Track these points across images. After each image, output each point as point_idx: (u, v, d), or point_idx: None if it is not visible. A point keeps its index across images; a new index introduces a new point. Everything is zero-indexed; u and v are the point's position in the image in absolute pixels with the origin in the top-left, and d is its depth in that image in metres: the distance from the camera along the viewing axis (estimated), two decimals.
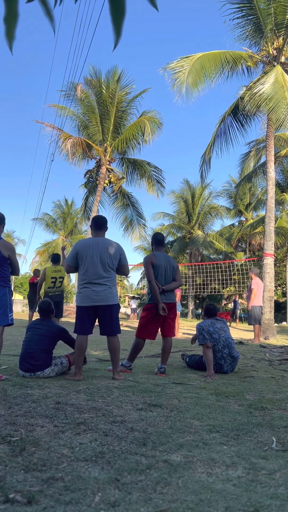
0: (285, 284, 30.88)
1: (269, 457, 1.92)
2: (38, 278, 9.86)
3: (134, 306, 26.49)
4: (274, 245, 14.51)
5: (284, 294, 35.79)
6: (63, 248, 8.34)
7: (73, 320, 4.13)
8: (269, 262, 11.83)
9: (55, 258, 7.75)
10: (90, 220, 4.03)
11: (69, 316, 18.31)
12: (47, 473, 1.60)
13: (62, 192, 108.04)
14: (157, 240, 4.58)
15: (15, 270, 3.94)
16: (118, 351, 3.94)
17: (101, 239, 3.97)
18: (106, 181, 17.58)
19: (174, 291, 4.46)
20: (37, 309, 4.37)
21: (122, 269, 4.04)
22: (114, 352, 3.90)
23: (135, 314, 25.49)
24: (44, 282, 7.45)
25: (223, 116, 13.32)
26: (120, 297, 35.78)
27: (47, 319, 4.14)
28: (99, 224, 4.07)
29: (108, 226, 4.13)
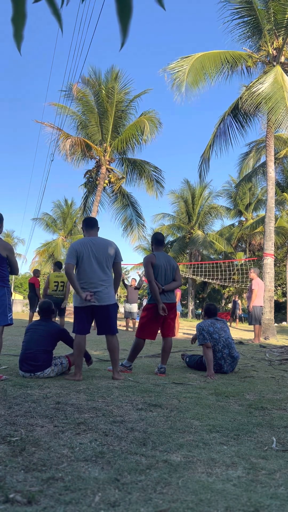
0: (285, 284, 30.88)
1: (269, 457, 1.92)
2: (37, 278, 10.74)
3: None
4: (274, 245, 14.49)
5: (284, 294, 35.80)
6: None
7: (72, 320, 4.14)
8: (269, 262, 11.82)
9: (57, 265, 9.28)
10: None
11: (68, 316, 18.30)
12: (47, 473, 1.60)
13: (62, 192, 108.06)
14: (157, 240, 4.57)
15: (14, 270, 3.94)
16: (117, 350, 3.93)
17: (96, 238, 3.97)
18: (106, 181, 17.55)
19: (174, 291, 4.46)
20: (37, 309, 4.39)
21: (115, 266, 4.02)
22: (113, 351, 3.90)
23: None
24: (48, 286, 8.94)
25: (222, 116, 13.29)
26: (120, 297, 35.70)
27: (47, 320, 4.14)
28: (90, 222, 4.08)
29: (99, 226, 4.13)
